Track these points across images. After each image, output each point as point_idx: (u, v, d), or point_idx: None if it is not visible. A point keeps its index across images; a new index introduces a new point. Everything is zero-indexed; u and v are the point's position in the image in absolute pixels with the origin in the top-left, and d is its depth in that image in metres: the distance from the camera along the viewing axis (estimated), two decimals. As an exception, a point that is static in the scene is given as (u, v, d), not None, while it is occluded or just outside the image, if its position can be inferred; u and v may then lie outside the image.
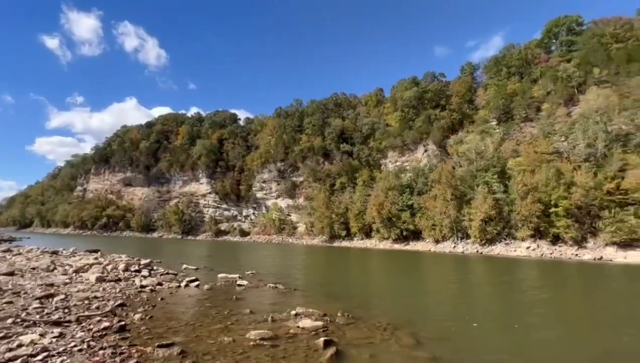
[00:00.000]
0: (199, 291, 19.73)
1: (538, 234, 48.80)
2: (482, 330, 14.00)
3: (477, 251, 52.23)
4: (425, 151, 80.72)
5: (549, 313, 17.40)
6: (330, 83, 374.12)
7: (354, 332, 12.62)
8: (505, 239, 51.99)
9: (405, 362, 10.19)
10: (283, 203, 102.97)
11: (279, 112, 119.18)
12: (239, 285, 21.80)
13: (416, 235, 64.58)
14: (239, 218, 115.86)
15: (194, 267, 29.85)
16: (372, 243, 70.66)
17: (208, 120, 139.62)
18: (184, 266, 29.68)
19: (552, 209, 46.74)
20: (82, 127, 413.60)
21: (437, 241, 59.72)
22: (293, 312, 14.47)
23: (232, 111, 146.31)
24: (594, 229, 44.63)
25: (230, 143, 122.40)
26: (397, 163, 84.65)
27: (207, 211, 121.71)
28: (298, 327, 12.55)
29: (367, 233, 73.83)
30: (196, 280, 22.19)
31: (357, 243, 73.82)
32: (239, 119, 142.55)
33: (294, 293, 20.26)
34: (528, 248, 48.30)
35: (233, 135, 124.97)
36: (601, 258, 41.22)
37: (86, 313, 12.98)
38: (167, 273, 25.53)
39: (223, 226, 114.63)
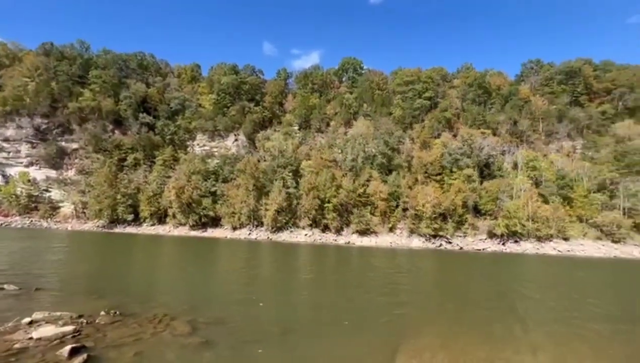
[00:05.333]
0: None
1: (314, 224, 60.60)
2: (266, 308, 15.78)
3: (268, 237, 58.56)
4: (236, 140, 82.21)
5: (315, 285, 22.21)
6: (136, 37, 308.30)
7: (119, 331, 10.95)
8: (290, 227, 61.11)
9: (175, 351, 9.87)
10: (39, 173, 75.67)
11: (48, 49, 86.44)
12: None
13: (215, 222, 64.56)
14: (-57, 188, 74.81)
15: None
16: (165, 229, 64.42)
17: None
18: None
19: (326, 205, 59.39)
20: None
21: (234, 228, 62.14)
22: (26, 320, 10.82)
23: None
24: (348, 221, 60.42)
25: (-61, 68, 77.13)
26: (206, 147, 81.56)
27: None
28: (31, 338, 9.51)
29: (161, 218, 66.68)
30: None
31: (147, 229, 65.16)
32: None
33: (34, 295, 15.22)
34: (306, 235, 59.02)
35: (-53, 58, 79.37)
36: (349, 242, 56.35)
37: None
38: None
39: None
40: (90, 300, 14.70)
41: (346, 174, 63.39)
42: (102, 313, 12.34)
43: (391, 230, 59.94)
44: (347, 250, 48.27)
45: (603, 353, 11.88)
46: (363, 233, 58.58)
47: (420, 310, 17.12)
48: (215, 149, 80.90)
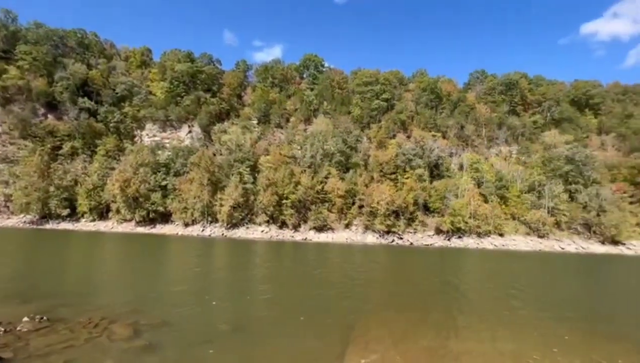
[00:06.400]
0: None
1: (272, 220, 59.89)
2: (219, 307, 15.10)
3: (223, 234, 56.65)
4: (190, 132, 78.10)
5: (271, 282, 21.89)
6: (75, 13, 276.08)
7: (45, 338, 9.81)
8: (247, 224, 59.75)
9: (113, 357, 9.10)
10: (-52, 160, 65.02)
11: (-38, 16, 74.35)
12: None
13: (165, 218, 60.90)
14: None
15: None
16: (107, 226, 59.27)
17: None
18: None
19: (284, 201, 58.98)
20: None
21: (186, 225, 59.15)
22: None
23: None
24: (305, 217, 60.66)
25: None
26: (156, 138, 76.35)
27: None
28: None
29: (103, 213, 61.20)
30: None
31: (86, 225, 59.46)
32: None
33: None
34: (263, 231, 58.14)
35: None
36: (306, 238, 56.64)
37: None
38: None
39: None
40: (11, 305, 12.99)
41: (305, 170, 63.48)
42: (25, 319, 10.96)
43: (347, 226, 61.36)
44: (304, 246, 48.46)
45: (538, 335, 13.33)
46: (320, 229, 59.21)
47: (372, 303, 17.78)
48: (166, 141, 76.04)
